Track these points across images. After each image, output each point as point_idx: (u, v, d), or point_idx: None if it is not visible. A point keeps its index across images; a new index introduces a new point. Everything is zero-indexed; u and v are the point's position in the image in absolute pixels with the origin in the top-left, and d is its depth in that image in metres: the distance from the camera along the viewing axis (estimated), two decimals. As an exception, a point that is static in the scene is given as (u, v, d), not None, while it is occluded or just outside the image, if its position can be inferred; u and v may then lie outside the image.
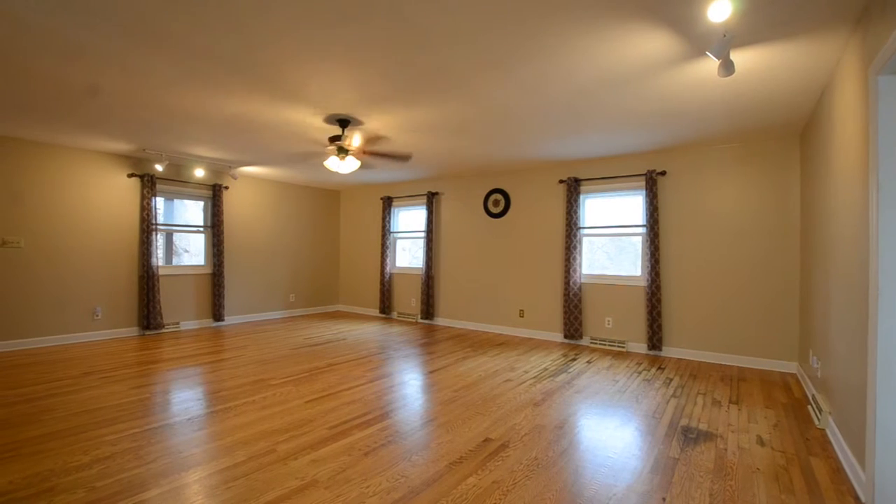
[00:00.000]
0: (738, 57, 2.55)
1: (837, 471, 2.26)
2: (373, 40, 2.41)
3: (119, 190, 5.34)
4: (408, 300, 7.13)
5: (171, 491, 1.99)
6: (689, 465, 2.29)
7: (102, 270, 5.21)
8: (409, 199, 7.13)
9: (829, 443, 2.59)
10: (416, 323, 6.76)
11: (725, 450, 2.48)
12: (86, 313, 5.09)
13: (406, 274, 7.18)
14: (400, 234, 7.36)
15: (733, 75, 2.79)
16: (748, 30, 2.25)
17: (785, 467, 2.30)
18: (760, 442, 2.60)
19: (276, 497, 1.96)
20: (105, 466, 2.20)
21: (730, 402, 3.29)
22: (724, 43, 2.17)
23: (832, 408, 2.69)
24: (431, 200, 6.72)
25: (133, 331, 5.46)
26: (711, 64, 2.65)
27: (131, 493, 1.97)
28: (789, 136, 4.16)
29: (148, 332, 5.54)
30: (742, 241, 4.39)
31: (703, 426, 2.82)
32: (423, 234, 7.01)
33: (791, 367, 4.14)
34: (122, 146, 4.89)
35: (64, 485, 2.03)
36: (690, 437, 2.65)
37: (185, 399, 3.19)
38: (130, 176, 5.41)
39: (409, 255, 7.41)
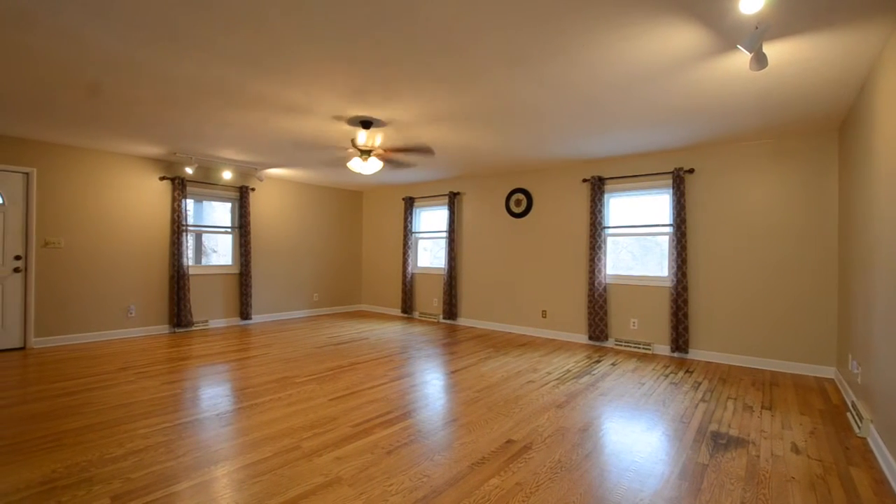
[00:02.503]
0: (771, 50, 2.46)
1: (881, 482, 2.15)
2: (395, 41, 2.42)
3: (151, 192, 5.54)
4: (429, 300, 7.15)
5: (201, 484, 2.05)
6: (719, 472, 2.22)
7: (136, 270, 5.42)
8: (431, 199, 7.15)
9: (871, 452, 2.47)
10: (438, 323, 6.77)
11: (758, 457, 2.40)
12: (121, 311, 5.30)
13: (428, 274, 7.20)
14: (422, 235, 7.39)
15: (766, 69, 2.68)
16: (782, 21, 2.17)
17: (822, 477, 2.20)
18: (795, 450, 2.50)
19: (302, 493, 1.99)
20: (139, 459, 2.29)
21: (762, 407, 3.18)
22: (756, 35, 2.10)
23: (874, 415, 2.56)
24: (453, 200, 6.72)
25: (164, 328, 5.65)
26: (743, 57, 2.56)
27: (163, 485, 2.04)
28: (826, 131, 3.99)
29: (178, 330, 5.73)
30: (775, 240, 4.23)
31: (733, 432, 2.73)
32: (444, 235, 7.02)
33: (828, 371, 3.96)
34: (154, 150, 5.07)
35: (102, 475, 2.12)
36: (720, 442, 2.57)
37: (213, 395, 3.28)
38: (162, 179, 5.60)
39: (430, 255, 7.43)
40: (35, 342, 4.71)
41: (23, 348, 4.65)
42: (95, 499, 1.92)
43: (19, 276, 4.65)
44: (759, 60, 2.22)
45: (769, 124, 3.79)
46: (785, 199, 4.19)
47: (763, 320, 4.27)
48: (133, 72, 2.86)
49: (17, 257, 4.63)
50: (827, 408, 3.18)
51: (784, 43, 2.38)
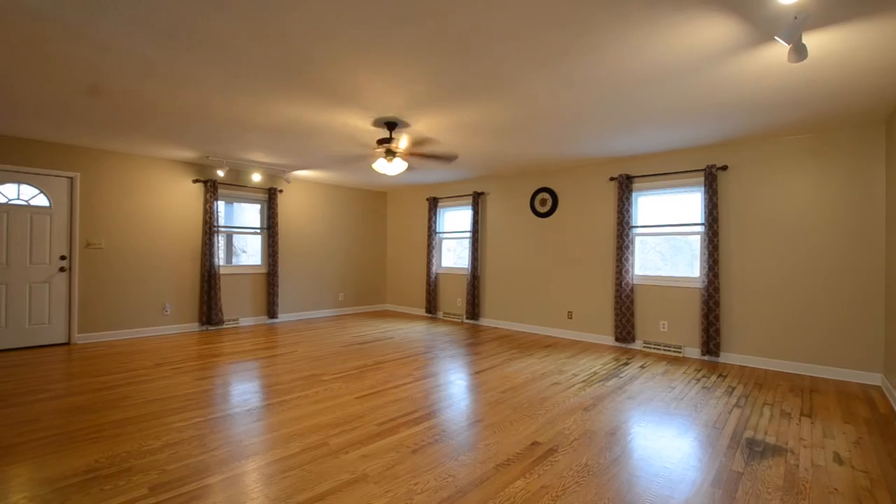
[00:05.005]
0: (812, 40, 2.35)
1: (933, 496, 2.03)
2: (420, 42, 2.43)
3: (185, 195, 5.74)
4: (453, 300, 7.16)
5: (232, 477, 2.11)
6: (754, 481, 2.14)
7: (171, 269, 5.62)
8: (455, 199, 7.16)
9: (922, 464, 2.33)
10: (462, 323, 6.77)
11: (797, 466, 2.29)
12: (157, 309, 5.51)
13: (451, 274, 7.20)
14: (445, 235, 7.40)
15: (805, 60, 2.57)
16: (823, 9, 2.07)
17: (869, 489, 2.09)
18: (838, 460, 2.38)
19: (329, 489, 2.02)
20: (174, 451, 2.37)
21: (801, 414, 3.04)
22: (795, 26, 2.01)
23: (925, 425, 2.41)
24: (477, 200, 6.70)
25: (196, 326, 5.84)
26: (780, 49, 2.45)
27: (197, 478, 2.10)
28: (872, 125, 3.78)
29: (210, 328, 5.91)
30: (815, 240, 4.04)
31: (770, 439, 2.62)
32: (468, 235, 7.01)
33: (874, 378, 3.76)
34: (187, 154, 5.26)
35: (140, 466, 2.21)
36: (756, 450, 2.47)
37: (243, 391, 3.37)
38: (195, 182, 5.80)
39: (454, 255, 7.44)
40: (78, 338, 4.95)
41: (67, 343, 4.90)
42: (135, 488, 2.01)
43: (64, 275, 4.90)
44: (799, 52, 2.13)
45: (809, 118, 3.63)
46: (826, 195, 4.00)
47: (802, 323, 4.09)
48: (168, 79, 2.97)
49: (63, 257, 4.88)
50: (873, 417, 3.01)
51: (826, 32, 2.27)
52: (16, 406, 3.01)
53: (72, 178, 4.92)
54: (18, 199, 4.65)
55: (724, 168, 4.49)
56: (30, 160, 4.65)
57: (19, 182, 4.63)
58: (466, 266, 7.07)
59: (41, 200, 4.77)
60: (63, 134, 4.43)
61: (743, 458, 2.38)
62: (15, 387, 3.41)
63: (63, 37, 2.41)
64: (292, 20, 2.22)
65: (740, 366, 4.33)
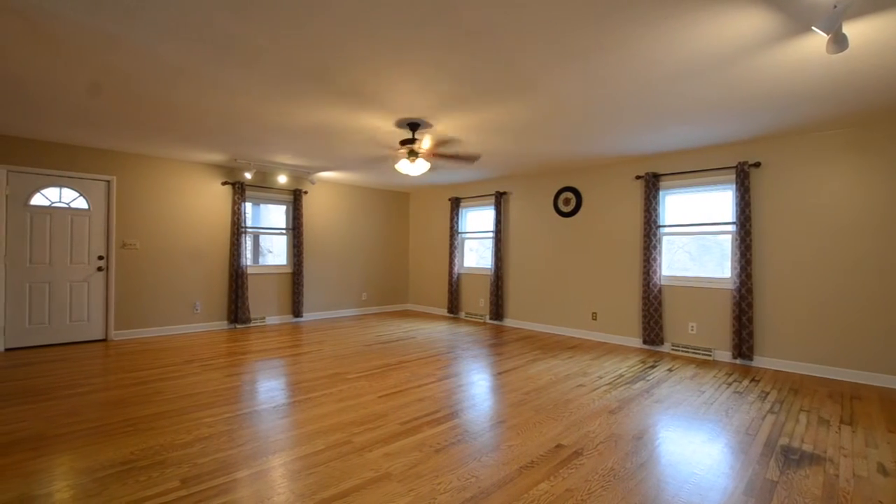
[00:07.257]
0: (852, 29, 2.24)
1: None
2: (443, 43, 2.43)
3: (214, 197, 5.91)
4: (476, 300, 7.14)
5: (260, 472, 2.16)
6: (790, 490, 2.05)
7: (200, 269, 5.80)
8: (477, 199, 7.14)
9: (976, 477, 2.19)
10: (485, 323, 6.74)
11: (837, 476, 2.19)
12: (187, 307, 5.69)
13: (474, 274, 7.19)
14: (468, 235, 7.39)
15: (845, 51, 2.45)
16: (866, -3, 1.97)
17: (916, 502, 1.97)
18: (883, 471, 2.26)
19: (353, 486, 2.04)
20: (204, 446, 2.44)
21: (841, 421, 2.90)
22: (834, 15, 1.92)
23: (980, 436, 2.26)
24: (500, 200, 6.67)
25: (224, 324, 6.00)
26: (819, 40, 2.35)
27: (226, 472, 2.16)
28: (918, 118, 3.58)
29: (238, 326, 6.07)
30: (855, 239, 3.85)
31: (807, 447, 2.51)
32: (491, 235, 6.98)
33: (921, 385, 3.56)
34: (216, 157, 5.41)
35: (172, 459, 2.29)
36: (792, 458, 2.38)
37: (270, 388, 3.45)
38: (224, 184, 5.96)
39: (476, 255, 7.42)
40: (115, 335, 5.15)
41: (104, 340, 5.11)
42: (168, 480, 2.07)
43: (101, 274, 5.11)
44: (838, 42, 2.03)
45: (847, 112, 3.47)
46: (866, 192, 3.81)
47: (841, 326, 3.90)
48: (197, 84, 3.06)
49: (100, 257, 5.10)
50: (920, 425, 2.85)
51: (867, 21, 2.16)
52: (58, 399, 3.16)
53: (108, 181, 5.13)
54: (60, 201, 4.87)
55: (757, 165, 4.33)
56: (70, 164, 4.87)
57: (61, 186, 4.86)
58: (489, 266, 7.04)
59: (80, 203, 4.99)
60: (100, 139, 4.62)
61: (777, 466, 2.29)
62: (56, 381, 3.57)
63: (98, 44, 2.51)
64: (318, 24, 2.25)
65: (774, 370, 4.17)
